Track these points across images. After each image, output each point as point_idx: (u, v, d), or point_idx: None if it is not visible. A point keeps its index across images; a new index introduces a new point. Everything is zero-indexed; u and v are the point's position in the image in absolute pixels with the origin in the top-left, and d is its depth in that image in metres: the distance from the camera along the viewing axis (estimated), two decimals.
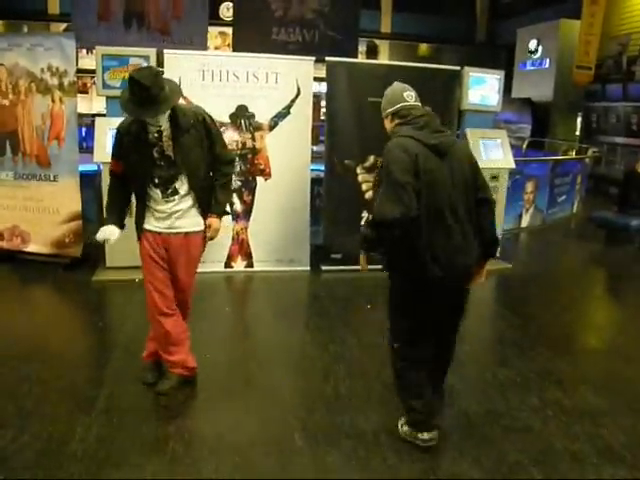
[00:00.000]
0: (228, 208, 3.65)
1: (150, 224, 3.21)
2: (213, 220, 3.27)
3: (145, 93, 2.85)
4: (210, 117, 3.24)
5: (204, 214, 3.26)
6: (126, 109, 2.95)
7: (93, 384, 3.43)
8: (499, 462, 2.83)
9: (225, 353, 4.07)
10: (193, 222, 3.24)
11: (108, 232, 3.18)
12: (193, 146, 3.12)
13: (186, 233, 3.22)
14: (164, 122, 3.02)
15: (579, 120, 14.61)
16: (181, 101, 5.18)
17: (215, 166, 3.27)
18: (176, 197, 3.15)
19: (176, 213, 3.17)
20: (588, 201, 10.58)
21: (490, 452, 2.91)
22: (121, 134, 3.13)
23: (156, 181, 3.11)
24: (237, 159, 5.56)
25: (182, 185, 3.14)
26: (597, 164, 12.53)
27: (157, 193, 3.14)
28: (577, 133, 14.63)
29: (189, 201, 3.19)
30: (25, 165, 5.61)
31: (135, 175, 3.15)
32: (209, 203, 3.27)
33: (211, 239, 3.34)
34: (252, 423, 3.11)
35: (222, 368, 3.80)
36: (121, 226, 3.24)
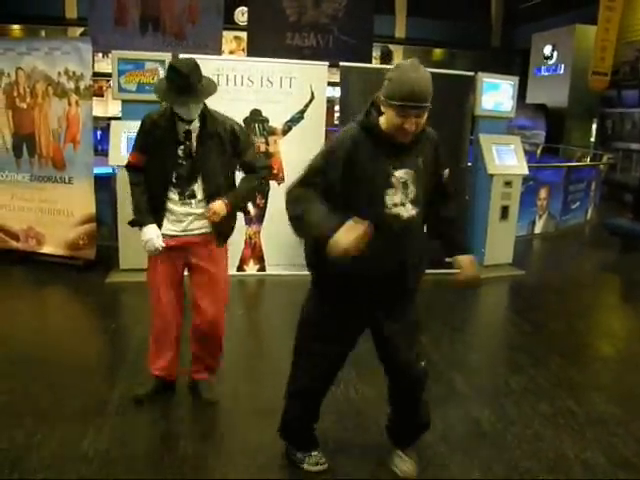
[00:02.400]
0: (250, 207, 3.53)
1: (166, 228, 3.08)
2: (218, 202, 3.03)
3: (185, 81, 2.83)
4: (241, 127, 3.22)
5: (216, 229, 3.15)
6: (165, 97, 2.93)
7: (106, 386, 3.45)
8: (510, 470, 2.82)
9: (237, 356, 4.08)
10: (210, 226, 3.12)
11: (155, 235, 3.02)
12: (216, 152, 3.06)
13: (203, 233, 3.12)
14: (195, 121, 2.99)
15: (594, 126, 14.50)
16: None
17: (247, 170, 3.23)
18: (193, 201, 3.07)
19: (191, 216, 3.07)
20: (602, 208, 10.49)
21: (501, 459, 2.89)
22: (150, 126, 3.04)
23: (174, 181, 3.03)
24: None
25: (199, 189, 3.06)
26: (612, 170, 12.42)
27: (175, 194, 3.05)
28: (592, 139, 14.52)
29: (205, 208, 3.09)
30: (41, 167, 5.68)
31: (156, 172, 3.04)
32: (228, 222, 3.19)
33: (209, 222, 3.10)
34: (262, 426, 3.12)
35: (234, 371, 3.81)
36: (160, 225, 3.08)
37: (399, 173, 2.31)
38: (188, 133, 3.01)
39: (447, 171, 2.52)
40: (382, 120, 2.31)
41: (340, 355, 2.61)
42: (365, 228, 2.07)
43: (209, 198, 3.06)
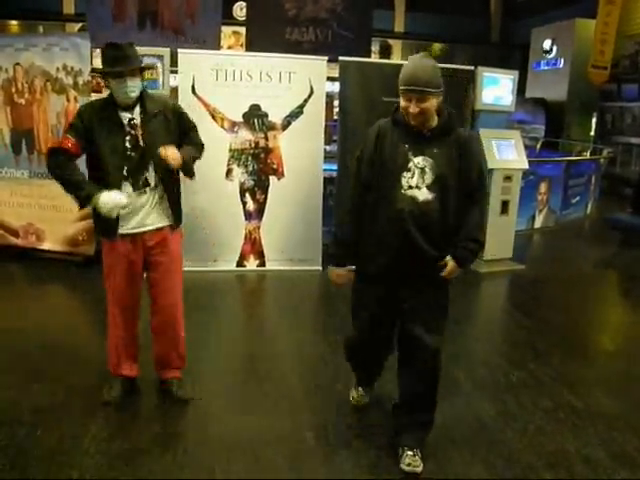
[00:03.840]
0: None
1: (126, 227, 2.96)
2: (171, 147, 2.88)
3: (120, 52, 2.80)
4: (181, 107, 3.16)
5: (174, 210, 3.06)
6: (102, 69, 2.84)
7: (106, 381, 3.45)
8: (511, 464, 2.82)
9: (236, 352, 4.08)
10: (164, 215, 3.04)
11: (113, 196, 2.80)
12: (163, 135, 2.93)
13: (158, 228, 3.03)
14: (136, 108, 2.90)
15: (594, 120, 14.48)
16: (195, 100, 5.18)
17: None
18: (147, 189, 2.95)
19: (146, 206, 2.96)
20: (602, 202, 10.50)
21: (502, 454, 2.89)
22: (89, 112, 2.88)
23: (126, 174, 2.90)
24: (250, 158, 5.59)
25: (151, 176, 2.95)
26: (612, 165, 12.41)
27: (129, 186, 2.92)
28: (592, 133, 14.50)
29: (159, 193, 2.99)
30: (40, 163, 5.66)
31: (106, 169, 2.87)
32: (179, 199, 3.10)
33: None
34: (262, 422, 3.12)
35: (233, 366, 3.82)
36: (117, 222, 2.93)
37: (417, 159, 2.55)
38: (131, 121, 2.90)
39: (475, 175, 2.64)
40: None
41: (380, 323, 2.82)
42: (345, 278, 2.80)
43: (162, 182, 2.98)
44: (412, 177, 2.54)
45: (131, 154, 2.90)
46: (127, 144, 2.89)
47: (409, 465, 2.71)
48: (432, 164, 2.54)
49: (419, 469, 2.70)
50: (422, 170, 2.54)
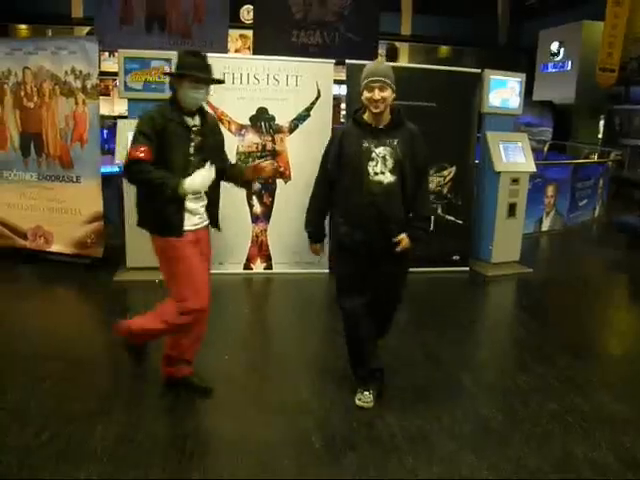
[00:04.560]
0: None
1: (189, 224, 3.10)
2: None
3: (204, 61, 3.02)
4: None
5: (214, 213, 3.27)
6: (191, 71, 2.96)
7: (113, 383, 3.47)
8: (518, 468, 2.81)
9: (243, 354, 4.09)
10: (207, 215, 3.25)
11: (202, 174, 2.92)
12: (216, 142, 3.21)
13: (205, 226, 3.24)
14: (196, 115, 3.07)
15: (601, 123, 14.41)
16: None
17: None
18: (203, 195, 3.13)
19: (201, 210, 3.17)
20: (610, 205, 10.44)
21: (509, 458, 2.88)
22: (161, 120, 2.96)
23: (188, 176, 2.98)
24: (257, 161, 5.59)
25: None
26: (620, 167, 12.35)
27: None
28: (599, 136, 14.44)
29: (205, 200, 3.18)
30: (48, 166, 5.70)
31: (172, 169, 2.97)
32: (218, 202, 3.29)
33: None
34: (269, 424, 3.12)
35: (240, 369, 3.82)
36: (182, 224, 3.09)
37: (379, 150, 3.12)
38: (194, 127, 3.06)
39: (423, 159, 3.21)
40: (366, 114, 3.17)
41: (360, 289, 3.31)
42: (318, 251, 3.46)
43: (209, 190, 3.10)
44: (376, 165, 3.11)
45: (193, 158, 3.04)
46: (191, 149, 3.05)
47: (359, 400, 3.31)
48: (391, 152, 3.11)
49: (370, 404, 3.30)
50: (384, 158, 3.11)
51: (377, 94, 3.04)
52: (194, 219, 3.12)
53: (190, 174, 2.94)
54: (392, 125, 3.16)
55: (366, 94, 3.08)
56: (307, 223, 3.43)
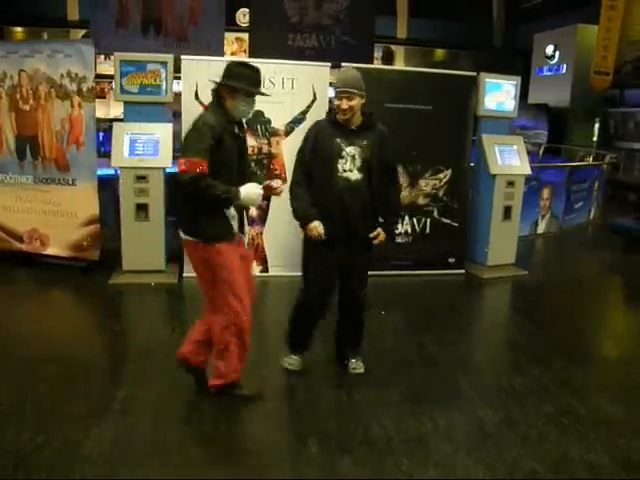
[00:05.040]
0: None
1: (234, 229, 3.21)
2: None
3: (259, 75, 3.17)
4: None
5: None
6: (251, 87, 3.11)
7: (109, 386, 3.46)
8: (514, 470, 2.81)
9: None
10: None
11: (255, 187, 3.10)
12: (247, 150, 3.39)
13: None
14: (236, 125, 3.18)
15: (596, 126, 14.47)
16: (198, 106, 5.24)
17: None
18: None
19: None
20: (605, 208, 10.48)
21: (505, 460, 2.89)
22: (219, 128, 3.02)
23: (235, 180, 3.11)
24: (253, 164, 5.60)
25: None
26: (615, 170, 12.39)
27: None
28: (594, 139, 14.49)
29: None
30: (44, 169, 5.69)
31: (227, 176, 3.05)
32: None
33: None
34: (266, 428, 3.12)
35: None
36: (232, 229, 3.21)
37: (349, 149, 3.38)
38: (240, 135, 3.21)
39: (392, 158, 3.52)
40: (339, 116, 3.38)
41: (326, 276, 3.56)
42: (320, 233, 3.40)
43: None
44: (345, 163, 3.37)
45: (237, 163, 3.16)
46: (238, 157, 3.18)
47: (354, 369, 3.72)
48: (360, 152, 3.37)
49: (362, 370, 3.71)
50: (353, 157, 3.37)
51: (345, 104, 3.30)
52: (236, 224, 3.23)
53: (234, 178, 3.07)
54: (363, 127, 3.42)
55: (336, 102, 3.35)
56: (299, 209, 3.48)
